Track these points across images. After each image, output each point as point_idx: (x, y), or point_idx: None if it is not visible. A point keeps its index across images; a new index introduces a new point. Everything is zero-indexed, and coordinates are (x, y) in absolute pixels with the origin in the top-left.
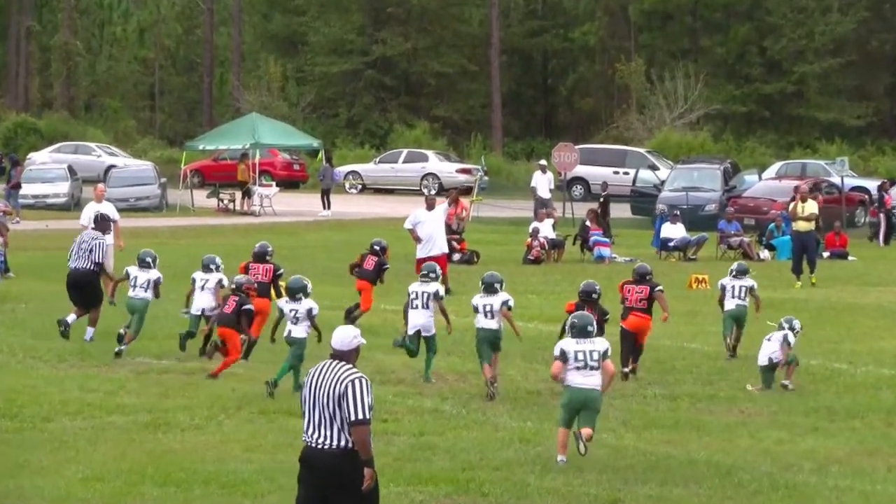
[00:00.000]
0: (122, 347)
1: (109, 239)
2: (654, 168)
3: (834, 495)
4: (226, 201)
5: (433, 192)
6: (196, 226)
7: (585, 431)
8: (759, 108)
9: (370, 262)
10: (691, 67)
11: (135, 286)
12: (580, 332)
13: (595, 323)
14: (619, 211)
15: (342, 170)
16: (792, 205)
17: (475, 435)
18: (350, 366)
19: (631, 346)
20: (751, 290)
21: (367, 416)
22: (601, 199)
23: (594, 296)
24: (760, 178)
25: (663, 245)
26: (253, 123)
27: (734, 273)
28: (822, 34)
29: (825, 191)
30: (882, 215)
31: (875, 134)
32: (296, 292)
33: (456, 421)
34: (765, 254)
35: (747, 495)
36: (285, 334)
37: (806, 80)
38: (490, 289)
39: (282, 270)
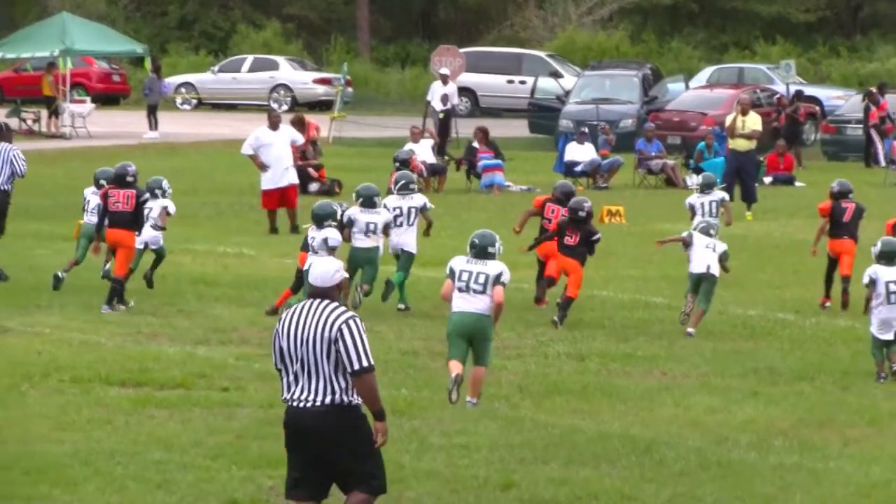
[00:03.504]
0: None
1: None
2: (556, 76)
3: (777, 475)
4: (29, 121)
5: (284, 107)
6: None
7: (473, 375)
8: (686, 1)
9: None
10: None
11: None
12: (479, 252)
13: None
14: (516, 129)
15: (172, 81)
16: (730, 118)
17: None
18: (336, 304)
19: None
20: (722, 202)
21: (371, 363)
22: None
23: (581, 214)
24: (687, 87)
25: (568, 170)
26: (63, 25)
27: (699, 187)
28: None
29: (765, 102)
30: (875, 134)
31: (827, 32)
32: (322, 219)
33: None
34: (692, 179)
35: (671, 476)
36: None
37: None
38: (369, 202)
39: (146, 196)
